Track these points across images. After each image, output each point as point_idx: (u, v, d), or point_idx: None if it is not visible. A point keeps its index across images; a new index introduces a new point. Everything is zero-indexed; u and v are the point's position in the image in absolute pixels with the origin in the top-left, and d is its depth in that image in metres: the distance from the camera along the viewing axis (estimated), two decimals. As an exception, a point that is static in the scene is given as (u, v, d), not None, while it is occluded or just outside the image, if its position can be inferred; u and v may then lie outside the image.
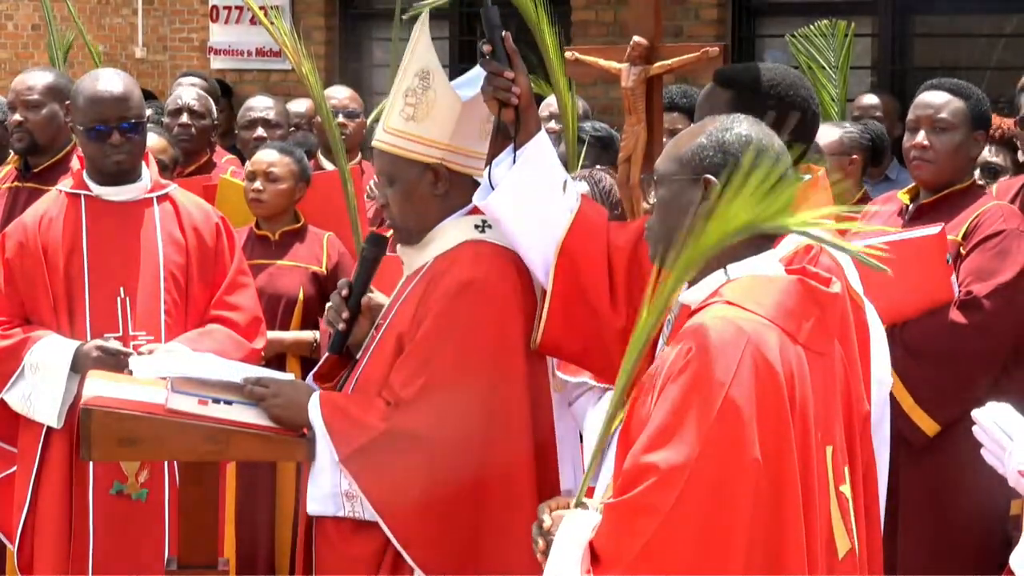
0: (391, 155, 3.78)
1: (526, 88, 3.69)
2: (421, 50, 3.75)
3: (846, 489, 3.08)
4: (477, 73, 3.80)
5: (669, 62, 4.57)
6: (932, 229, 4.73)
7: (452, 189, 3.78)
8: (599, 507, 3.01)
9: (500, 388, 3.69)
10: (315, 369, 3.99)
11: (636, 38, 4.58)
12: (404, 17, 3.77)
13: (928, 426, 4.80)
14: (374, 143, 3.84)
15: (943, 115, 4.93)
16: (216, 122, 7.30)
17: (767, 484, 2.85)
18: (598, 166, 5.35)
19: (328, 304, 3.95)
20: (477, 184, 3.82)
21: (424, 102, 3.73)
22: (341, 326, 3.88)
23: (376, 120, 6.05)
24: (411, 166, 3.76)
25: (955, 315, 4.78)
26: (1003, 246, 4.82)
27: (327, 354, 3.96)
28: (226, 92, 9.96)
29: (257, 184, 5.92)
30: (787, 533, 2.89)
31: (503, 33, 3.69)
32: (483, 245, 3.77)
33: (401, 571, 3.66)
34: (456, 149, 3.76)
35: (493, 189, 3.70)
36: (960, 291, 4.80)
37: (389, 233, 4.04)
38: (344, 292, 3.90)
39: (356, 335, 3.92)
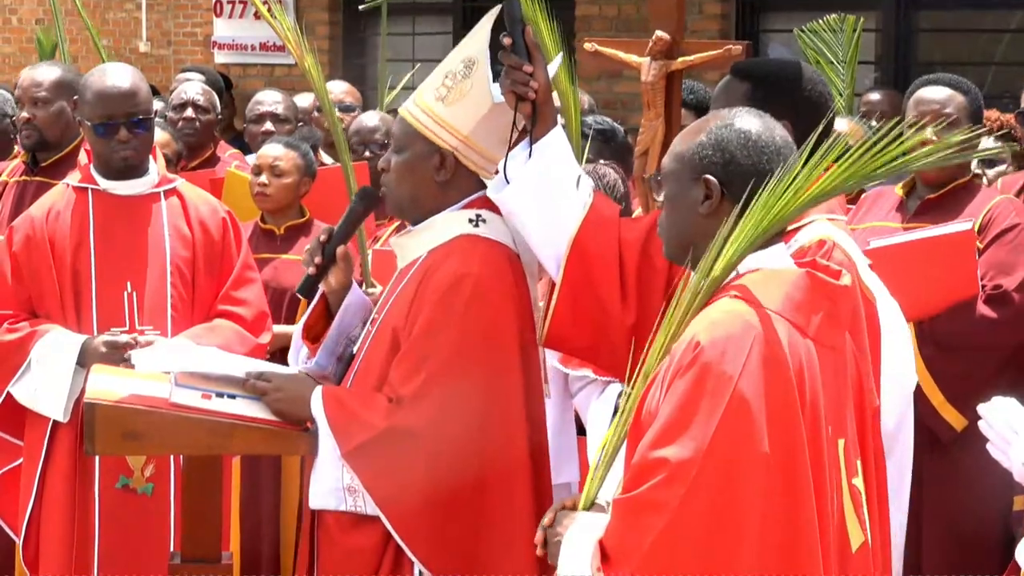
0: (410, 125, 3.78)
1: (544, 83, 3.67)
2: (477, 39, 3.75)
3: (858, 482, 3.07)
4: None
5: (691, 58, 4.57)
6: (962, 226, 4.74)
7: (453, 180, 3.78)
8: (608, 503, 3.01)
9: (497, 383, 3.70)
10: (303, 321, 3.98)
11: (659, 33, 4.59)
12: (361, 8, 3.78)
13: (958, 422, 4.81)
14: (400, 109, 3.85)
15: (948, 110, 4.93)
16: (220, 116, 7.31)
17: (778, 478, 2.85)
18: (602, 160, 5.35)
19: (306, 247, 3.96)
20: (480, 183, 3.82)
21: (458, 88, 3.73)
22: (311, 269, 3.89)
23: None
24: (424, 143, 3.76)
25: (984, 310, 4.79)
26: (1020, 239, 4.84)
27: (309, 304, 3.97)
28: (228, 86, 9.96)
29: (263, 178, 5.92)
30: (800, 527, 2.88)
31: (524, 27, 3.68)
32: (477, 240, 3.77)
33: (402, 569, 3.67)
34: (472, 145, 3.76)
35: (508, 182, 3.71)
36: (985, 285, 4.81)
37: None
38: (323, 238, 3.91)
39: (331, 285, 3.92)
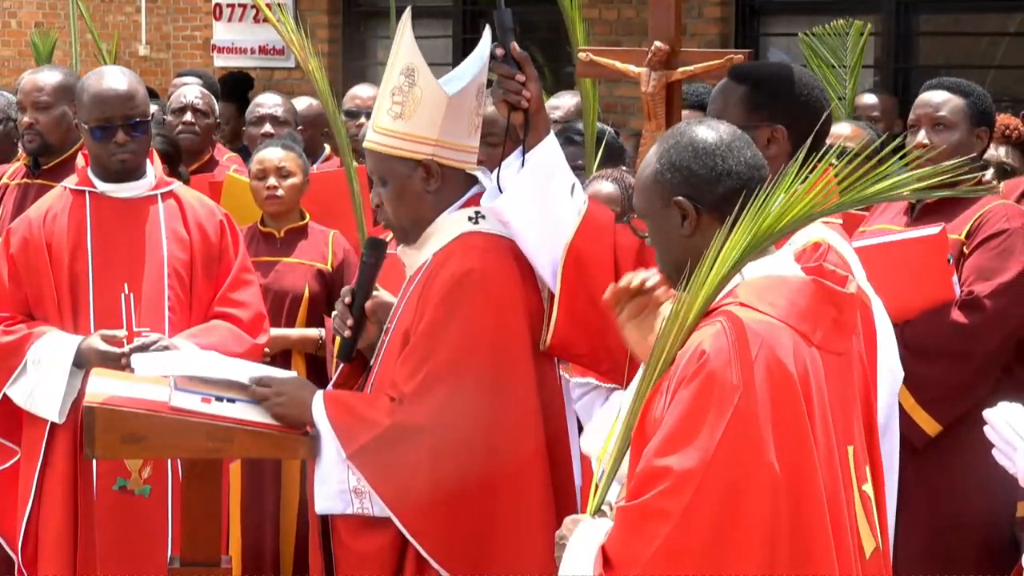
0: (381, 154, 3.78)
1: (536, 92, 3.71)
2: (405, 48, 3.76)
3: (868, 488, 3.08)
4: (463, 70, 3.81)
5: (692, 68, 4.57)
6: (932, 229, 4.73)
7: (444, 184, 3.79)
8: (611, 510, 3.00)
9: (503, 377, 3.69)
10: (332, 381, 3.99)
11: (657, 43, 4.58)
12: None
13: (930, 426, 4.80)
14: (364, 144, 3.85)
15: (942, 113, 4.93)
16: (218, 120, 7.32)
17: (787, 488, 2.84)
18: (624, 168, 5.33)
19: (333, 312, 3.96)
20: (470, 177, 3.84)
21: (411, 99, 3.74)
22: (347, 333, 3.89)
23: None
24: (402, 164, 3.77)
25: (956, 315, 4.77)
26: (1006, 245, 4.81)
27: (340, 364, 3.97)
28: (248, 86, 9.95)
29: (272, 181, 5.92)
30: (813, 535, 2.88)
31: (515, 37, 3.70)
32: (478, 236, 3.77)
33: (425, 572, 3.66)
34: (446, 144, 3.77)
35: (502, 192, 3.71)
36: (962, 290, 4.79)
37: (389, 236, 4.04)
38: (347, 299, 3.91)
39: (365, 340, 3.92)
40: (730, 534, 2.82)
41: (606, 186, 4.89)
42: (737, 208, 2.93)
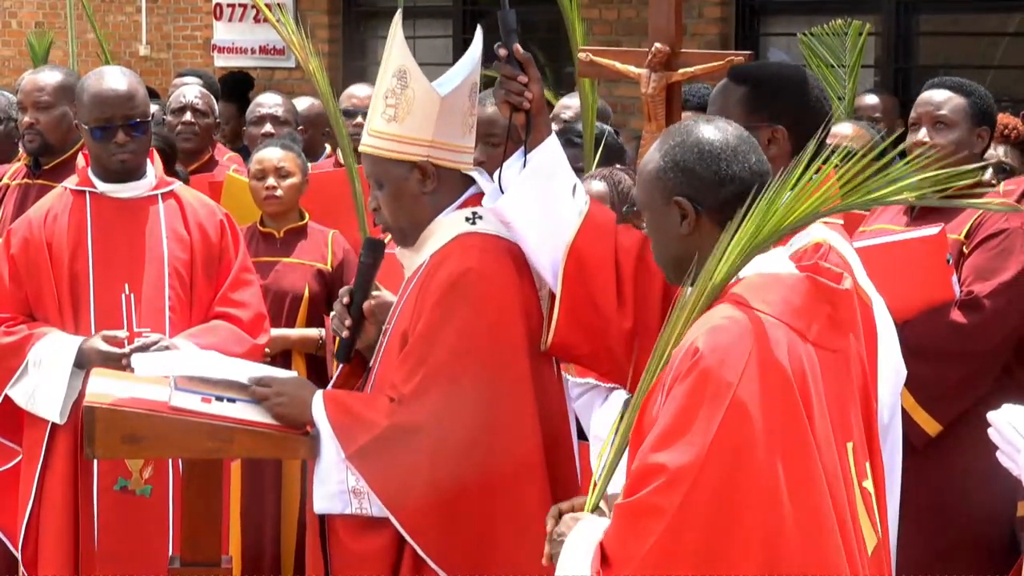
0: (377, 158, 3.79)
1: (538, 93, 3.71)
2: (397, 50, 3.77)
3: (868, 484, 3.08)
4: (455, 70, 3.82)
5: (692, 69, 4.57)
6: (932, 229, 4.73)
7: (441, 185, 3.79)
8: (609, 509, 3.01)
9: (501, 376, 3.69)
10: (332, 381, 4.00)
11: (657, 45, 4.58)
12: None
13: (930, 426, 4.80)
14: (360, 148, 3.86)
15: (943, 112, 4.93)
16: (218, 120, 7.33)
17: (790, 484, 2.84)
18: (619, 166, 5.34)
19: (332, 313, 3.97)
20: (466, 178, 3.84)
21: (404, 101, 3.74)
22: (345, 334, 3.90)
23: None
24: (397, 166, 3.77)
25: (956, 315, 4.77)
26: (1005, 245, 4.80)
27: (340, 365, 3.97)
28: (248, 86, 9.96)
29: (271, 181, 5.93)
30: (819, 532, 2.88)
31: (517, 38, 3.70)
32: (475, 236, 3.77)
33: (422, 572, 3.67)
34: (440, 144, 3.77)
35: (503, 192, 3.72)
36: (962, 290, 4.79)
37: (388, 237, 4.05)
38: (346, 300, 3.92)
39: (364, 340, 3.93)
40: (726, 530, 2.82)
41: (596, 184, 4.90)
42: (741, 213, 2.94)
